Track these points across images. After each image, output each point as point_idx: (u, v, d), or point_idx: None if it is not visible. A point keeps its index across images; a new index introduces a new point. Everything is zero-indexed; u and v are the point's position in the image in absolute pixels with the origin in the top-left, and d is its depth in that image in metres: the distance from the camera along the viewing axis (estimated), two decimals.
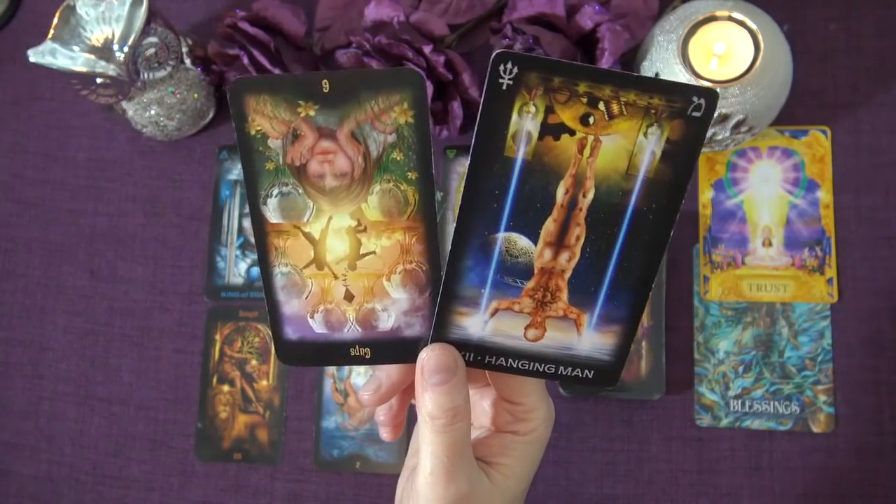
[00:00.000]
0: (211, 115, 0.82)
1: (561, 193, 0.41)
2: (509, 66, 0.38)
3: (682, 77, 0.66)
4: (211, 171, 0.83)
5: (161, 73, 0.76)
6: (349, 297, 0.44)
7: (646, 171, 0.41)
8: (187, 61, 0.78)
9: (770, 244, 0.73)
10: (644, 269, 0.43)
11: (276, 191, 0.42)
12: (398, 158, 0.41)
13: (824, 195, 0.73)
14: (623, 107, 0.39)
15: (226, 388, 0.78)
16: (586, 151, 0.40)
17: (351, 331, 0.44)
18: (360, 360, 0.46)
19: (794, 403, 0.70)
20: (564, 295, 0.44)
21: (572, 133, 0.40)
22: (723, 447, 0.70)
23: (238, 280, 0.80)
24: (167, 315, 0.80)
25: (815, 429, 0.69)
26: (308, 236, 0.43)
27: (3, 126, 0.87)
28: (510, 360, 0.45)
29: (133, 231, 0.82)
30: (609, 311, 0.44)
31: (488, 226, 0.42)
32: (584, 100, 0.39)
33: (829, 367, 0.70)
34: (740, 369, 0.71)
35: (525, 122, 0.39)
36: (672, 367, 0.71)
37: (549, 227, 0.42)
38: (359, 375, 0.76)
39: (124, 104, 0.78)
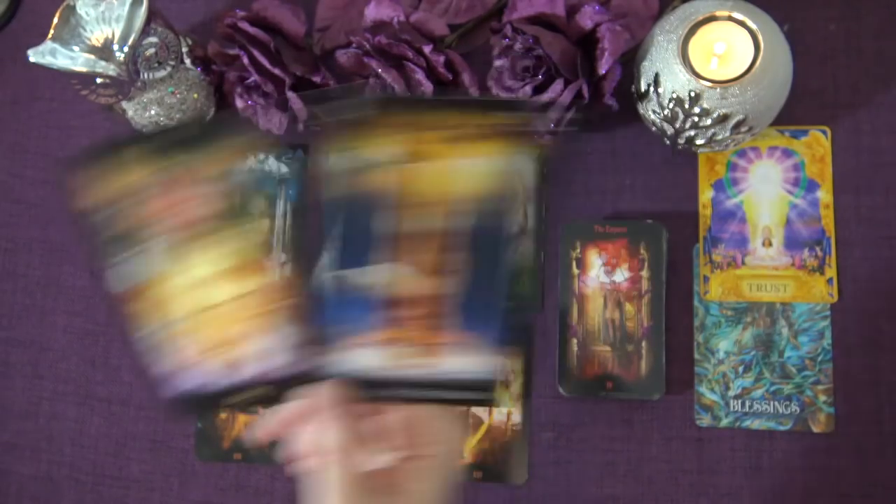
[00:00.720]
0: (211, 115, 0.82)
1: (425, 219, 0.39)
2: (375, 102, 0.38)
3: (682, 77, 0.66)
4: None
5: (161, 73, 0.76)
6: (227, 342, 0.42)
7: (502, 192, 0.42)
8: (187, 61, 0.78)
9: (770, 244, 0.73)
10: (500, 287, 0.42)
11: (125, 256, 0.40)
12: (248, 203, 0.40)
13: (824, 195, 0.73)
14: (476, 131, 0.38)
15: None
16: (444, 176, 0.40)
17: (235, 374, 0.43)
18: (254, 401, 0.45)
19: (794, 403, 0.70)
20: (442, 321, 0.43)
21: (426, 159, 0.38)
22: (723, 447, 0.70)
23: None
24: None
25: (815, 429, 0.69)
26: (173, 290, 0.40)
27: (3, 126, 0.87)
28: (400, 389, 0.45)
29: None
30: (483, 332, 0.44)
31: (354, 256, 0.42)
32: (439, 127, 0.38)
33: (829, 367, 0.70)
34: (740, 369, 0.71)
35: (382, 153, 0.38)
36: (672, 367, 0.71)
37: (414, 256, 0.41)
38: None
39: (124, 104, 0.78)
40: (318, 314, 0.43)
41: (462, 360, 0.43)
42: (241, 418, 0.77)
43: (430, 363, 0.43)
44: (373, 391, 0.45)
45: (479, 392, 0.44)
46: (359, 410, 0.46)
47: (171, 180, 0.38)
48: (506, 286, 0.42)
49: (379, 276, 0.42)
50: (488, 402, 0.45)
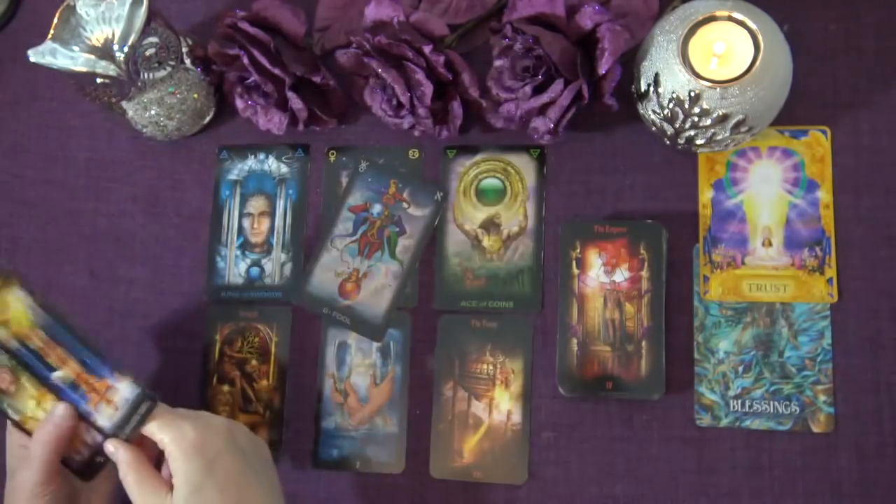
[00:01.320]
0: (211, 115, 0.82)
1: (31, 344, 0.65)
2: None
3: (682, 77, 0.66)
4: (211, 171, 0.83)
5: (161, 73, 0.76)
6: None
7: (31, 307, 0.66)
8: (187, 61, 0.78)
9: (770, 244, 0.73)
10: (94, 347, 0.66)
11: (3, 406, 0.66)
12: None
13: (824, 195, 0.73)
14: None
15: (226, 387, 0.78)
16: (8, 329, 0.65)
17: None
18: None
19: (793, 403, 0.70)
20: (94, 379, 0.65)
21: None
22: (723, 447, 0.70)
23: (238, 280, 0.80)
24: (167, 315, 0.80)
25: (815, 429, 0.69)
26: (31, 418, 0.66)
27: (3, 126, 0.87)
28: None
29: (133, 231, 0.82)
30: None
31: (45, 380, 0.65)
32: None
33: (829, 367, 0.70)
34: (740, 369, 0.71)
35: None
36: (672, 367, 0.71)
37: (52, 359, 0.65)
38: (359, 375, 0.76)
39: (124, 104, 0.78)
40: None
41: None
42: (241, 418, 0.77)
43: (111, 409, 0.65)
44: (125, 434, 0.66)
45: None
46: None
47: None
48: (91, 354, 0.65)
49: (60, 374, 0.65)
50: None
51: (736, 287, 0.72)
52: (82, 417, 0.66)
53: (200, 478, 0.62)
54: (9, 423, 0.67)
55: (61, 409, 0.65)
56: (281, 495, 0.66)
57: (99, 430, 0.65)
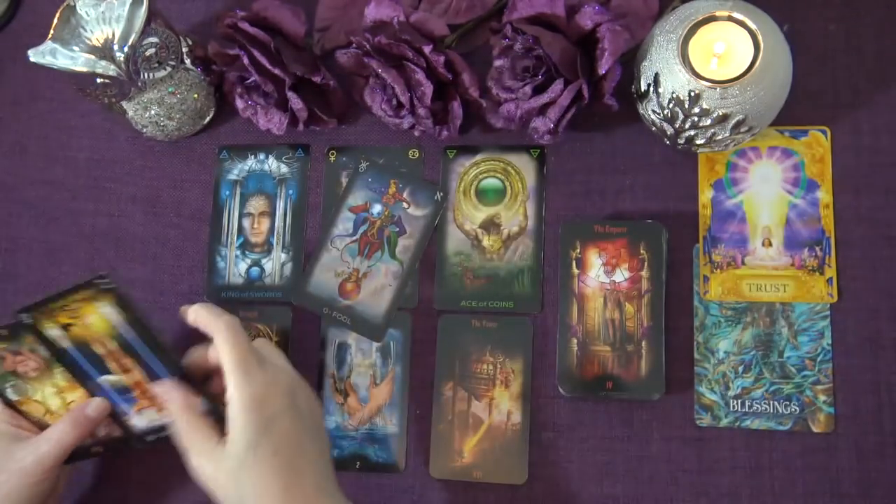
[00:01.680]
0: (211, 115, 0.82)
1: (99, 349, 0.66)
2: (24, 315, 0.64)
3: (682, 77, 0.66)
4: (211, 171, 0.83)
5: (161, 73, 0.76)
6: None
7: (120, 321, 0.64)
8: (187, 61, 0.78)
9: (770, 244, 0.73)
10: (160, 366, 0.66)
11: (6, 386, 0.69)
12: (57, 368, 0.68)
13: (824, 195, 0.73)
14: (77, 305, 0.63)
15: None
16: (87, 329, 0.65)
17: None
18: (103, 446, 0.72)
19: (793, 403, 0.70)
20: (149, 393, 0.67)
21: (73, 324, 0.65)
22: (723, 447, 0.70)
23: (238, 280, 0.80)
24: (167, 315, 0.80)
25: (815, 429, 0.69)
26: (36, 402, 0.70)
27: (3, 126, 0.87)
28: (165, 431, 0.68)
29: (133, 231, 0.83)
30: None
31: (91, 381, 0.68)
32: (61, 310, 0.64)
33: (829, 367, 0.70)
34: (740, 369, 0.71)
35: (54, 331, 0.65)
36: (672, 367, 0.71)
37: (113, 365, 0.66)
38: (359, 375, 0.76)
39: (124, 104, 0.78)
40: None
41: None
42: None
43: (159, 414, 0.69)
44: (148, 438, 0.71)
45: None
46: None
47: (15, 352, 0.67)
48: (164, 366, 0.66)
49: (112, 378, 0.67)
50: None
51: (736, 287, 0.72)
52: (115, 416, 0.69)
53: (256, 436, 0.61)
54: None
55: (99, 402, 0.68)
56: (330, 462, 0.65)
57: (127, 428, 0.70)
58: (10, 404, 0.70)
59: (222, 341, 0.64)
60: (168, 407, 0.65)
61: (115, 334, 0.64)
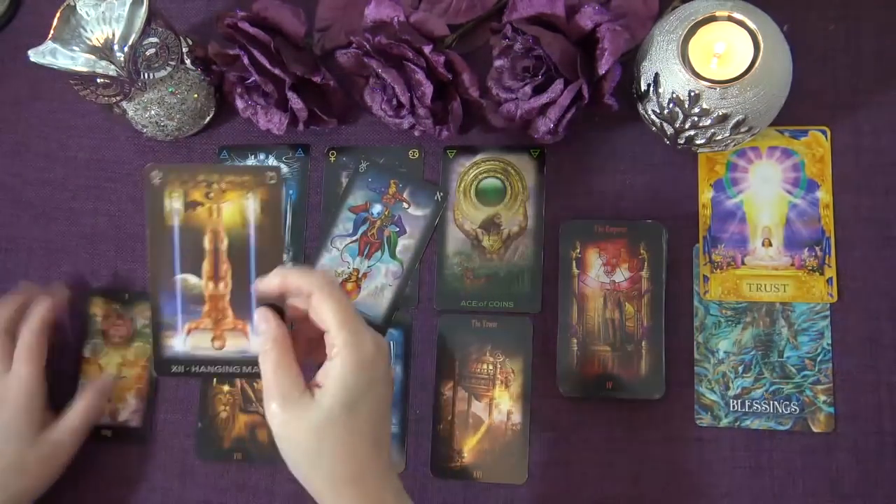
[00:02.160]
0: (211, 115, 0.82)
1: (207, 243, 0.61)
2: (157, 172, 0.61)
3: (682, 77, 0.66)
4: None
5: (161, 73, 0.76)
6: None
7: (254, 221, 0.61)
8: (187, 61, 0.78)
9: (770, 244, 0.73)
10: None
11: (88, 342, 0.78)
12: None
13: (824, 195, 0.73)
14: (227, 185, 0.61)
15: (226, 387, 0.78)
16: (214, 214, 0.61)
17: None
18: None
19: (793, 403, 0.70)
20: (230, 312, 0.62)
21: (202, 205, 0.61)
22: (723, 447, 0.70)
23: None
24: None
25: (815, 429, 0.69)
26: (98, 366, 0.76)
27: (3, 126, 0.87)
28: (207, 366, 0.63)
29: (133, 231, 0.82)
30: (250, 321, 0.62)
31: (168, 272, 0.61)
32: (204, 184, 0.61)
33: (829, 367, 0.70)
34: (740, 369, 0.71)
35: (174, 203, 0.61)
36: (672, 367, 0.71)
37: (206, 267, 0.61)
38: None
39: (124, 104, 0.78)
40: (159, 308, 0.63)
41: (240, 342, 0.62)
42: (242, 418, 0.77)
43: (220, 345, 0.62)
44: (190, 369, 0.63)
45: (253, 366, 0.61)
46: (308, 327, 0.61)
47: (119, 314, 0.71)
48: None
49: (193, 281, 0.62)
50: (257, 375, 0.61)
51: (736, 287, 0.72)
52: (155, 326, 0.63)
53: (357, 396, 0.58)
54: None
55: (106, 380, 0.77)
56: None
57: (160, 347, 0.63)
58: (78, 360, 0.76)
59: (326, 297, 0.59)
60: (261, 334, 0.60)
61: (240, 233, 0.61)
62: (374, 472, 0.60)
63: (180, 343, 0.62)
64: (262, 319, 0.60)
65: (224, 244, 0.61)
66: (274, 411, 0.58)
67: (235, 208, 0.61)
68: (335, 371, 0.58)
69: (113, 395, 0.78)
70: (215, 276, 0.61)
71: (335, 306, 0.59)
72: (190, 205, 0.61)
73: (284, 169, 0.81)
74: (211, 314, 0.62)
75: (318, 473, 0.58)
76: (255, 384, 0.77)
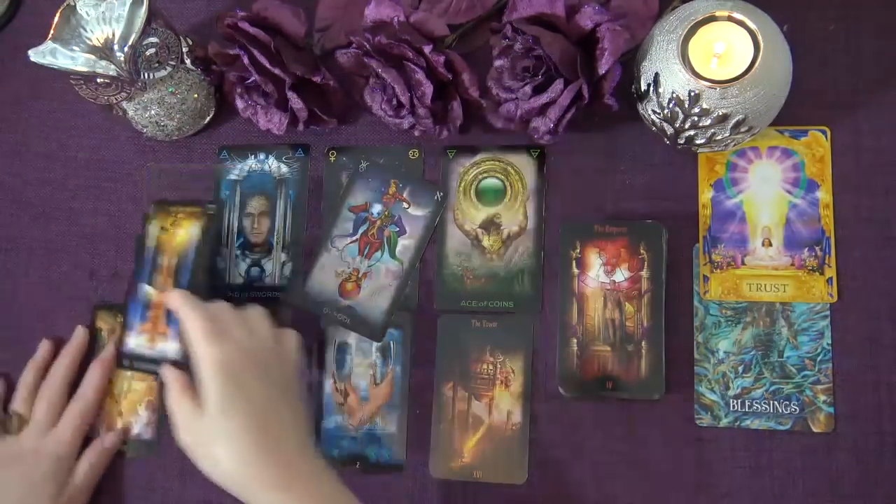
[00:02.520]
0: (211, 115, 0.82)
1: (164, 261, 0.74)
2: (154, 205, 0.78)
3: (682, 77, 0.66)
4: (211, 171, 0.83)
5: (161, 73, 0.76)
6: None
7: (195, 244, 0.74)
8: (187, 61, 0.78)
9: (770, 244, 0.73)
10: (204, 291, 0.73)
11: None
12: None
13: (824, 195, 0.73)
14: (184, 215, 0.76)
15: None
16: (173, 239, 0.75)
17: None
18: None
19: (793, 403, 0.70)
20: (163, 319, 0.73)
21: (167, 230, 0.75)
22: (723, 447, 0.70)
23: (238, 280, 0.80)
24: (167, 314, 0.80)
25: (815, 428, 0.69)
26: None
27: (3, 126, 0.87)
28: (142, 362, 0.73)
29: (133, 231, 0.82)
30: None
31: (142, 279, 0.74)
32: (172, 214, 0.77)
33: (829, 367, 0.70)
34: (740, 369, 0.71)
35: (153, 229, 0.76)
36: (672, 367, 0.71)
37: (159, 279, 0.74)
38: (359, 375, 0.76)
39: (124, 104, 0.78)
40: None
41: (166, 344, 0.73)
42: None
43: (151, 346, 0.73)
44: (130, 362, 0.74)
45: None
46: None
47: None
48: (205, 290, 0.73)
49: (150, 290, 0.74)
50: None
51: (736, 287, 0.72)
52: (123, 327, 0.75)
53: (226, 399, 0.64)
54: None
55: (112, 436, 0.78)
56: (308, 431, 0.68)
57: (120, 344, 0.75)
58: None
59: (182, 318, 0.68)
60: (163, 375, 0.69)
61: (183, 253, 0.74)
62: (274, 457, 0.63)
63: (133, 341, 0.74)
64: (164, 371, 0.69)
65: (174, 261, 0.74)
66: (177, 429, 0.66)
67: (184, 233, 0.75)
68: (202, 381, 0.65)
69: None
70: (162, 288, 0.73)
71: (186, 325, 0.67)
72: (162, 228, 0.75)
73: (285, 168, 0.81)
74: (153, 319, 0.73)
75: (230, 476, 0.64)
76: None
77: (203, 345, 0.65)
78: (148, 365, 0.73)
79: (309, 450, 0.66)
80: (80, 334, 0.80)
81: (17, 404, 0.77)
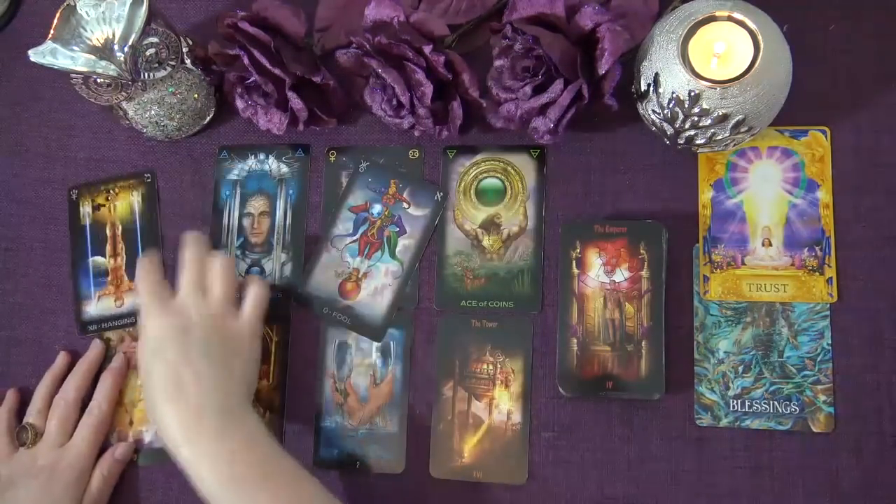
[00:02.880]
0: (211, 115, 0.82)
1: (108, 231, 0.82)
2: (73, 191, 0.84)
3: (682, 77, 0.66)
4: (211, 171, 0.83)
5: (161, 73, 0.76)
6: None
7: (138, 210, 0.82)
8: (188, 61, 0.78)
9: (770, 244, 0.73)
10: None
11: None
12: None
13: (824, 195, 0.73)
14: (119, 188, 0.83)
15: None
16: (111, 211, 0.83)
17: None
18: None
19: (793, 403, 0.70)
20: (125, 278, 0.81)
21: (104, 206, 0.83)
22: (723, 447, 0.70)
23: (238, 280, 0.80)
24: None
25: (815, 429, 0.69)
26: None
27: (3, 126, 0.87)
28: (113, 321, 0.81)
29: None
30: None
31: (87, 255, 0.82)
32: (104, 191, 0.83)
33: (829, 367, 0.70)
34: (740, 369, 0.71)
35: (85, 208, 0.83)
36: (672, 367, 0.71)
37: (108, 248, 0.81)
38: (359, 375, 0.76)
39: (124, 104, 0.78)
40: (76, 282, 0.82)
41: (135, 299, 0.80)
42: None
43: (120, 304, 0.81)
44: (98, 325, 0.81)
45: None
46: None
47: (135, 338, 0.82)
48: None
49: (100, 260, 0.82)
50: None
51: (736, 287, 0.72)
52: (76, 298, 0.82)
53: (146, 363, 0.70)
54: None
55: (125, 446, 0.79)
56: (235, 388, 0.70)
57: (80, 313, 0.82)
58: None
59: (137, 279, 0.74)
60: (138, 271, 0.74)
61: (128, 220, 0.81)
62: (185, 411, 0.67)
63: (93, 308, 0.81)
64: (139, 265, 0.74)
65: (119, 230, 0.82)
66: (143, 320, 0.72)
67: (124, 204, 0.82)
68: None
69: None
70: (113, 254, 0.81)
71: (140, 288, 0.73)
72: (96, 206, 0.83)
73: (285, 168, 0.81)
74: (112, 282, 0.81)
75: (157, 430, 0.70)
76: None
77: (142, 311, 0.71)
78: (119, 322, 0.80)
79: (237, 409, 0.69)
80: (97, 346, 0.80)
81: (32, 416, 0.77)
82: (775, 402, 0.70)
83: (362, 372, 0.76)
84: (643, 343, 0.71)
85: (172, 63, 0.76)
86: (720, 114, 0.66)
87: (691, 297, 0.73)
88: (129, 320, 0.80)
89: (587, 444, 0.72)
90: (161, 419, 0.67)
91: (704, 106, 0.66)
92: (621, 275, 0.73)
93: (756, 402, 0.70)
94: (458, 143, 0.79)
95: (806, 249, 0.72)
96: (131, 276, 0.80)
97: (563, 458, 0.72)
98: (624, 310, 0.72)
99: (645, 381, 0.71)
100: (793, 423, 0.70)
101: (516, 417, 0.73)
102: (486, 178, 0.78)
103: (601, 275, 0.73)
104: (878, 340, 0.70)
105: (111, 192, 0.82)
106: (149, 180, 0.82)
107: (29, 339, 0.82)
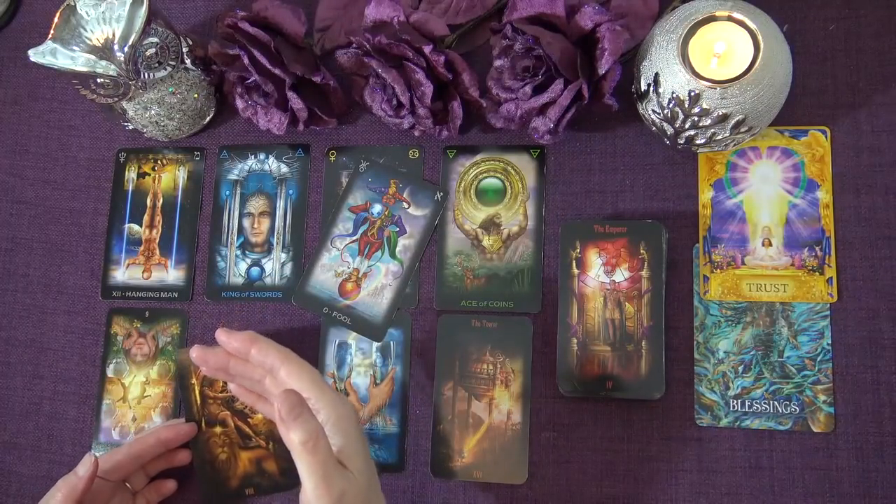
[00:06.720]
0: (211, 115, 0.82)
1: (149, 200, 0.82)
2: (122, 153, 0.84)
3: (682, 77, 0.66)
4: (211, 171, 0.83)
5: (161, 73, 0.76)
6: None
7: (182, 186, 0.82)
8: (188, 61, 0.78)
9: (770, 244, 0.73)
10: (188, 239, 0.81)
11: (112, 361, 0.80)
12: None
13: (824, 195, 0.73)
14: (167, 160, 0.82)
15: (218, 429, 0.76)
16: (155, 181, 0.83)
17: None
18: None
19: (793, 403, 0.70)
20: (157, 251, 0.81)
21: (149, 174, 0.83)
22: (723, 447, 0.70)
23: (238, 280, 0.80)
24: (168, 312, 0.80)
25: (815, 428, 0.69)
26: (122, 384, 0.80)
27: (3, 126, 0.87)
28: (136, 291, 0.82)
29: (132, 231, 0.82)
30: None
31: (124, 220, 0.82)
32: (152, 160, 0.83)
33: (829, 367, 0.70)
34: (740, 369, 0.71)
35: (130, 174, 0.83)
36: (672, 367, 0.71)
37: (146, 218, 0.82)
38: (358, 375, 0.76)
39: (124, 104, 0.78)
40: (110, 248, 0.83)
41: (161, 274, 0.81)
42: (244, 455, 0.76)
43: (147, 276, 0.81)
44: (122, 293, 0.81)
45: (170, 291, 0.81)
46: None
47: (142, 333, 0.81)
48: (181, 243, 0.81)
49: (136, 228, 0.82)
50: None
51: (736, 287, 0.72)
52: (105, 262, 0.83)
53: (352, 443, 0.62)
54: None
55: (88, 459, 0.68)
56: None
57: (107, 279, 0.82)
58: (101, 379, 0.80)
59: (297, 367, 0.64)
60: (299, 433, 0.60)
61: (171, 194, 0.81)
62: None
63: (120, 274, 0.81)
64: (301, 420, 0.60)
65: (160, 202, 0.82)
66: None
67: (169, 177, 0.82)
68: (331, 430, 0.61)
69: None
70: (150, 225, 0.81)
71: (311, 456, 0.60)
72: (141, 174, 0.83)
73: (285, 168, 0.81)
74: (144, 253, 0.81)
75: None
76: (248, 419, 0.76)
77: (319, 484, 0.59)
78: (144, 293, 0.80)
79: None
80: (86, 464, 0.68)
81: None
82: (775, 402, 0.70)
83: (362, 372, 0.76)
84: (643, 343, 0.71)
85: (172, 63, 0.76)
86: (720, 114, 0.66)
87: (691, 297, 0.73)
88: (151, 294, 0.80)
89: (587, 444, 0.72)
90: None
91: (704, 106, 0.66)
92: (621, 275, 0.73)
93: (756, 402, 0.70)
94: (458, 143, 0.79)
95: (806, 249, 0.72)
96: (163, 251, 0.80)
97: (563, 458, 0.72)
98: (624, 310, 0.72)
99: (645, 381, 0.71)
100: (793, 423, 0.70)
101: (516, 417, 0.73)
102: (486, 177, 0.78)
103: (601, 275, 0.73)
104: (878, 340, 0.70)
105: (159, 162, 0.83)
106: (198, 158, 0.82)
107: (29, 339, 0.82)
